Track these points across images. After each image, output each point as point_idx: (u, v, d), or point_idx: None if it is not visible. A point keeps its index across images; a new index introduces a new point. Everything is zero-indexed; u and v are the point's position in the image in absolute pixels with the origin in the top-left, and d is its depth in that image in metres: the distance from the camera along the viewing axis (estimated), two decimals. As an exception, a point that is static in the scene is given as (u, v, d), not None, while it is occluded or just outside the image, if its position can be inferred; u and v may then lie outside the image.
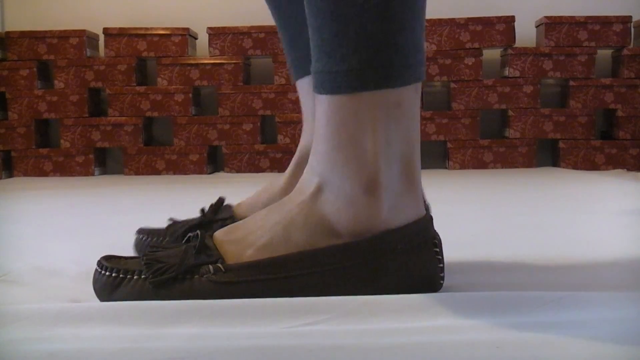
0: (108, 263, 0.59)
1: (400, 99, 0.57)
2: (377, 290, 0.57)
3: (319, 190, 0.58)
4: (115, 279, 0.58)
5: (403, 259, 0.58)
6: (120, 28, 2.44)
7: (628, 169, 2.29)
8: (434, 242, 0.60)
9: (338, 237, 0.58)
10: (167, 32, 2.43)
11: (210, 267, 0.58)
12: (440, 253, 0.60)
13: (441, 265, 0.60)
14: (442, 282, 0.60)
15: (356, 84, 0.56)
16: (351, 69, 0.55)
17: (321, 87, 0.57)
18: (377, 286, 0.57)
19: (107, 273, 0.58)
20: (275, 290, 0.57)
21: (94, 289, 0.59)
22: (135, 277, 0.58)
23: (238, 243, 0.60)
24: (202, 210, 0.79)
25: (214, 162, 2.49)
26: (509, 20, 2.39)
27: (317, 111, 0.59)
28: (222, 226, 0.69)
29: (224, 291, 0.57)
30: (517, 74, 2.39)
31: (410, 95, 0.58)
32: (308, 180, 0.60)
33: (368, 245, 0.57)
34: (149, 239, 0.79)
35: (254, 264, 0.58)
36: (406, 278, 0.58)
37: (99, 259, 0.60)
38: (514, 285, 0.64)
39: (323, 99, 0.58)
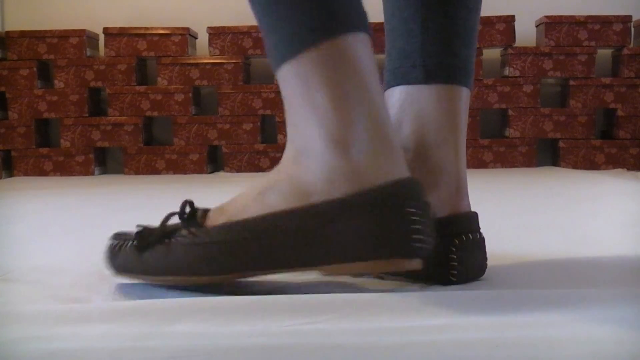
0: (115, 235, 0.67)
1: (341, 53, 0.56)
2: (339, 252, 0.55)
3: (295, 155, 0.59)
4: (115, 247, 0.65)
5: (365, 219, 0.55)
6: (120, 28, 2.44)
7: (628, 169, 2.29)
8: (409, 205, 0.55)
9: (311, 199, 0.57)
10: (167, 31, 2.43)
11: (184, 230, 0.62)
12: (420, 219, 0.55)
13: (418, 232, 0.55)
14: (420, 246, 0.55)
15: (286, 50, 0.57)
16: (281, 38, 0.57)
17: (273, 68, 0.59)
18: (337, 247, 0.55)
19: (111, 242, 0.66)
20: (242, 251, 0.58)
21: (104, 259, 0.66)
22: (128, 243, 0.64)
23: (219, 210, 0.62)
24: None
25: (214, 161, 2.49)
26: (509, 20, 2.39)
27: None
28: None
29: (196, 251, 0.60)
30: (517, 73, 2.39)
31: (354, 48, 0.57)
32: (287, 150, 0.60)
33: (331, 206, 0.56)
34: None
35: (225, 225, 0.60)
36: (365, 238, 0.55)
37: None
38: (513, 284, 0.64)
39: (279, 78, 0.59)
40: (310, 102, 0.57)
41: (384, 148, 0.57)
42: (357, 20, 0.58)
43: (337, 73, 0.57)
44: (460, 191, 0.66)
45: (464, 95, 0.68)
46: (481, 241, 0.65)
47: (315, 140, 0.57)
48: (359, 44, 0.58)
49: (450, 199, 0.65)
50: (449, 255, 0.62)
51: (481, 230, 0.66)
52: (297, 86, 0.57)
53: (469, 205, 0.68)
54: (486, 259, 0.66)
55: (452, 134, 0.67)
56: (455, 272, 0.62)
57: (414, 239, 0.54)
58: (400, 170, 0.57)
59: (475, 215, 0.66)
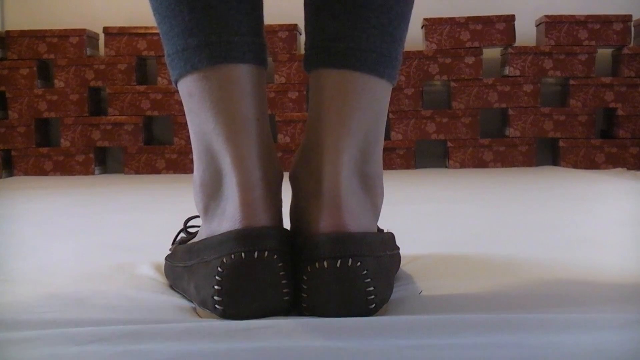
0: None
1: (189, 90, 0.56)
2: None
3: None
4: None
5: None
6: (120, 27, 2.44)
7: (628, 168, 2.29)
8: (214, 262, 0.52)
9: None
10: (167, 31, 2.42)
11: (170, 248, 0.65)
12: (220, 276, 0.51)
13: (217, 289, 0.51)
14: (217, 307, 0.51)
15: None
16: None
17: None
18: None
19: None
20: (180, 278, 0.59)
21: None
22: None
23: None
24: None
25: (214, 161, 2.49)
26: (509, 19, 2.39)
27: None
28: None
29: (168, 270, 0.65)
30: (517, 73, 2.39)
31: (199, 86, 0.54)
32: None
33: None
34: None
35: (178, 249, 0.62)
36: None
37: None
38: (514, 285, 0.64)
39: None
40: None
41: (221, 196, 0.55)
42: (193, 58, 0.54)
43: (187, 109, 0.57)
44: (340, 206, 0.53)
45: (358, 83, 0.55)
46: (350, 271, 0.50)
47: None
48: (208, 82, 0.54)
49: (323, 213, 0.53)
50: (300, 284, 0.52)
51: (367, 258, 0.51)
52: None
53: (363, 224, 0.54)
54: (362, 293, 0.51)
55: (329, 131, 0.55)
56: (305, 304, 0.52)
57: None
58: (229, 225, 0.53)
59: (355, 238, 0.52)
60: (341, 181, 0.54)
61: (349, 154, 0.54)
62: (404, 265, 0.71)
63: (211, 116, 0.55)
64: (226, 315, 0.51)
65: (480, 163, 2.38)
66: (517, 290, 0.62)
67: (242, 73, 0.55)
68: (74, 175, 2.38)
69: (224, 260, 0.51)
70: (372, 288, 0.51)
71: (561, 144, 2.36)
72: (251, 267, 0.51)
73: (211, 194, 0.56)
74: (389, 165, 2.37)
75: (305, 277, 0.52)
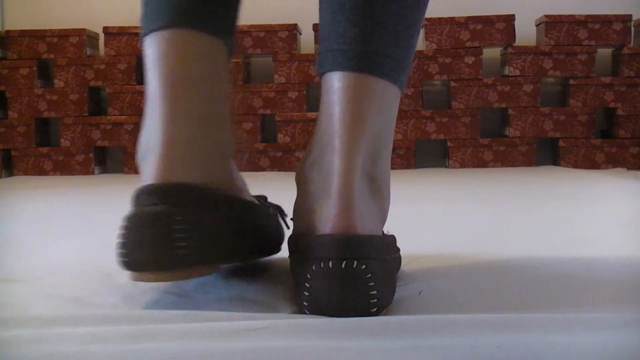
0: None
1: (144, 53, 0.62)
2: None
3: None
4: None
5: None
6: (120, 27, 2.43)
7: (628, 168, 2.29)
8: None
9: None
10: (167, 31, 2.42)
11: None
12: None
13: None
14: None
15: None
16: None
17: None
18: None
19: None
20: None
21: None
22: None
23: None
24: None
25: (214, 161, 2.49)
26: (509, 19, 2.39)
27: None
28: None
29: None
30: (517, 72, 2.39)
31: (147, 48, 0.61)
32: None
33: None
34: None
35: None
36: None
37: None
38: (514, 285, 0.64)
39: None
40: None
41: (152, 150, 0.58)
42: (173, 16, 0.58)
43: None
44: (350, 208, 0.53)
45: (373, 87, 0.56)
46: (355, 273, 0.51)
47: None
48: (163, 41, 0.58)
49: (332, 214, 0.53)
50: (304, 283, 0.53)
51: (372, 260, 0.51)
52: None
53: (369, 227, 0.54)
54: (365, 296, 0.51)
55: (342, 132, 0.55)
56: (306, 303, 0.52)
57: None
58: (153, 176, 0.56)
59: (362, 240, 0.52)
60: (353, 183, 0.54)
61: (362, 157, 0.55)
62: (404, 266, 0.71)
63: (151, 76, 0.60)
64: (124, 258, 0.54)
65: (480, 163, 2.38)
66: (517, 290, 0.62)
67: (181, 37, 0.58)
68: (74, 175, 2.38)
69: (129, 213, 0.54)
70: (375, 292, 0.51)
71: (561, 143, 2.36)
72: (143, 219, 0.53)
73: (145, 151, 0.59)
74: (388, 165, 2.37)
75: (309, 276, 0.52)
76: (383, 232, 0.63)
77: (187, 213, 0.54)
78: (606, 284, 0.65)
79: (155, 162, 0.56)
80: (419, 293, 0.61)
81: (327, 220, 0.54)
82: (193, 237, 0.53)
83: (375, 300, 0.51)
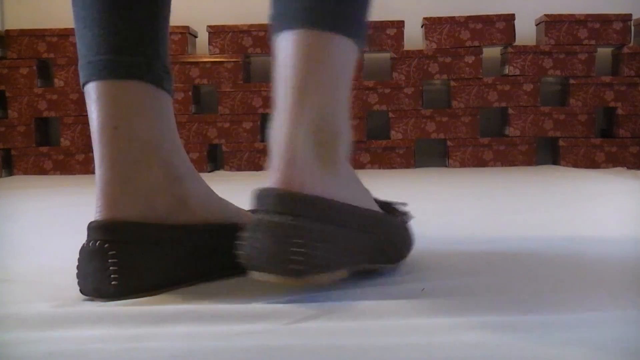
0: None
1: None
2: None
3: None
4: None
5: None
6: (120, 26, 2.43)
7: (628, 167, 2.29)
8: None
9: None
10: (167, 30, 2.42)
11: None
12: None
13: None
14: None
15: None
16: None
17: None
18: None
19: None
20: None
21: None
22: None
23: None
24: None
25: (214, 160, 2.49)
26: (509, 19, 2.39)
27: None
28: None
29: None
30: (517, 72, 2.39)
31: (86, 97, 0.65)
32: None
33: None
34: None
35: None
36: None
37: None
38: (514, 285, 0.64)
39: None
40: None
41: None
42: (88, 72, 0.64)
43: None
44: (288, 164, 0.54)
45: (317, 40, 0.57)
46: (282, 227, 0.52)
47: None
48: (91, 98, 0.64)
49: (272, 170, 0.56)
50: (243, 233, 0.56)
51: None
52: None
53: (315, 186, 0.54)
54: (287, 252, 0.51)
55: (290, 89, 0.58)
56: (239, 251, 0.56)
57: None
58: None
59: (296, 196, 0.53)
60: (293, 140, 0.55)
61: (307, 114, 0.56)
62: (405, 265, 0.71)
63: (90, 124, 0.65)
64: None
65: (480, 162, 2.38)
66: (517, 289, 0.62)
67: (99, 88, 0.63)
68: (74, 174, 2.38)
69: (82, 245, 0.62)
70: (302, 249, 0.51)
71: (561, 143, 2.36)
72: (87, 253, 0.60)
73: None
74: (389, 164, 2.37)
75: (247, 226, 0.54)
76: (388, 205, 0.65)
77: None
78: (606, 284, 0.65)
79: (96, 200, 0.63)
80: (422, 290, 0.61)
81: (269, 176, 0.56)
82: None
83: (300, 258, 0.51)
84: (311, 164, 0.55)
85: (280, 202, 0.53)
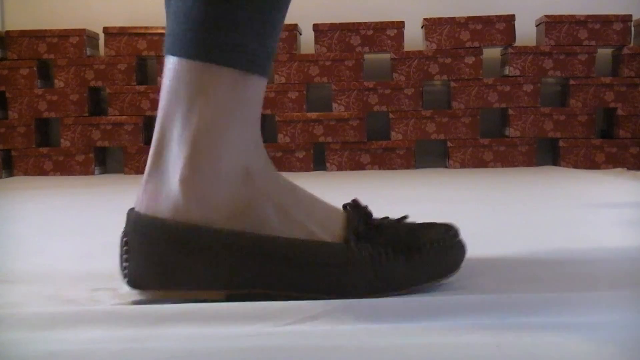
0: None
1: None
2: None
3: None
4: None
5: None
6: (120, 27, 2.43)
7: (628, 168, 2.29)
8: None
9: None
10: (167, 31, 2.42)
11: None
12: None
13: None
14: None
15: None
16: None
17: None
18: None
19: None
20: None
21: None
22: None
23: None
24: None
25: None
26: (509, 19, 2.39)
27: None
28: None
29: None
30: (517, 72, 2.39)
31: None
32: None
33: None
34: None
35: None
36: None
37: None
38: (514, 285, 0.64)
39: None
40: None
41: None
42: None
43: None
44: (142, 183, 0.63)
45: (169, 64, 0.59)
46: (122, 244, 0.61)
47: None
48: None
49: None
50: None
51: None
52: None
53: (157, 205, 0.60)
54: (122, 265, 0.60)
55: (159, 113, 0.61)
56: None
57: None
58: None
59: (130, 215, 0.61)
60: (149, 159, 0.63)
61: (157, 133, 0.62)
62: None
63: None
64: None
65: (480, 163, 2.38)
66: (517, 290, 0.62)
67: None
68: (74, 175, 2.38)
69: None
70: (126, 263, 0.59)
71: (561, 143, 2.36)
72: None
73: None
74: (389, 165, 2.37)
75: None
76: (389, 220, 0.65)
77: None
78: (606, 284, 0.65)
79: None
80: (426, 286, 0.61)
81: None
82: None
83: (125, 271, 0.59)
84: (156, 184, 0.63)
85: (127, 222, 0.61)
